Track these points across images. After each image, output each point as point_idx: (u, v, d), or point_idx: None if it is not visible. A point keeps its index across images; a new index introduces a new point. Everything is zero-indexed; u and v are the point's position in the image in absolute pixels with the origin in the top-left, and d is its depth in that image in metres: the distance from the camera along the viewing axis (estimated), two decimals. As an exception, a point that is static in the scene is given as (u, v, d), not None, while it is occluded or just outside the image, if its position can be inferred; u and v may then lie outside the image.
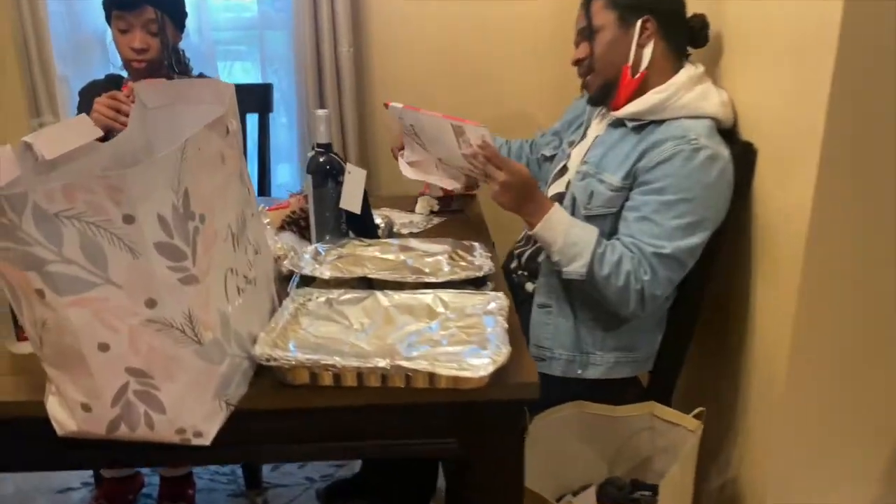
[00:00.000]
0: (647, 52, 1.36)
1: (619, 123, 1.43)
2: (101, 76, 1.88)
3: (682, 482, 1.30)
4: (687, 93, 1.35)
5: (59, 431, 0.91)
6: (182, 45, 1.85)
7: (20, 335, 1.05)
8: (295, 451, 1.04)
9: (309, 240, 1.41)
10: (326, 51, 2.10)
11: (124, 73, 1.85)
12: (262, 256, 1.08)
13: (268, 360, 0.94)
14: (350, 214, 1.38)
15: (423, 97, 2.12)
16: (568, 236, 1.34)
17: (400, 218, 1.64)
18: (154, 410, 0.87)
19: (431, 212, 1.70)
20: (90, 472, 1.95)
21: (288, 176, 2.38)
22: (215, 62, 2.16)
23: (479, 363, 0.93)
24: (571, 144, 1.56)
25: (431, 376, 0.93)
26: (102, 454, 0.96)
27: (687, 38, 1.42)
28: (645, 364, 1.47)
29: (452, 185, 1.66)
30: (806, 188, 1.20)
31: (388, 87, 2.22)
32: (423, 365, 0.92)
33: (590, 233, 1.34)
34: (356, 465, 1.98)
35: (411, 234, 1.56)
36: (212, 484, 1.94)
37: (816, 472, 1.35)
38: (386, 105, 1.60)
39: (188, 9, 1.84)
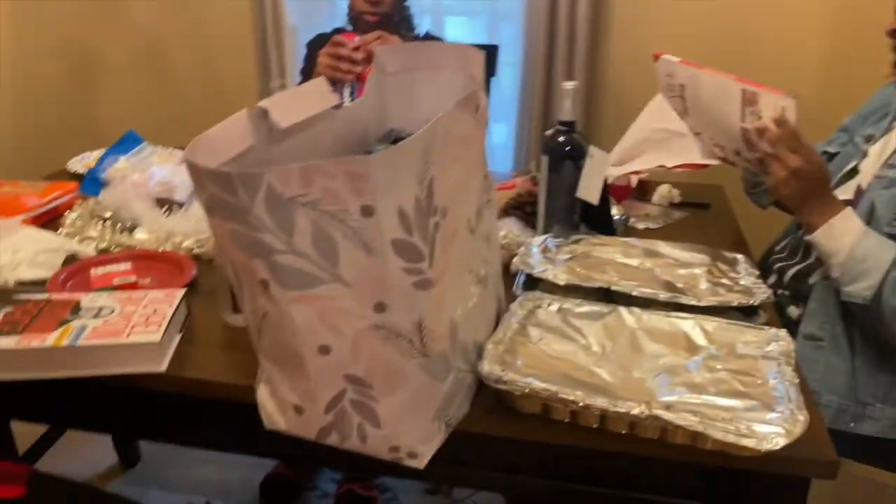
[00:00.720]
0: None
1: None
2: (329, 29, 1.83)
3: None
4: None
5: (268, 425, 0.83)
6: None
7: (236, 306, 1.00)
8: (510, 483, 0.90)
9: (534, 228, 1.25)
10: (562, 13, 1.90)
11: (349, 28, 1.79)
12: (493, 249, 0.93)
13: (497, 381, 0.80)
14: (586, 205, 1.20)
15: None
16: (856, 249, 1.08)
17: (634, 209, 1.43)
18: (369, 423, 0.76)
19: (671, 204, 1.47)
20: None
21: (504, 135, 2.23)
22: (442, 17, 2.05)
23: (768, 432, 0.72)
24: (869, 140, 1.25)
25: (696, 436, 0.74)
26: (308, 452, 0.89)
27: None
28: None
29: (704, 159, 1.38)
30: None
31: (625, 60, 1.99)
32: (690, 421, 0.73)
33: (888, 249, 1.07)
34: None
35: (648, 230, 1.35)
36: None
37: None
38: (656, 57, 1.35)
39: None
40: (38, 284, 1.09)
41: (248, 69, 2.27)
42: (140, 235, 1.23)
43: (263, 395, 0.84)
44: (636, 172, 1.41)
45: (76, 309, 0.95)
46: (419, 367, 0.74)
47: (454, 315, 0.78)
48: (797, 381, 0.80)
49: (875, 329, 1.11)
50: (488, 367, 0.81)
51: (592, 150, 1.18)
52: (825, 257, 1.13)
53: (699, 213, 1.46)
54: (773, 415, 0.74)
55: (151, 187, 1.31)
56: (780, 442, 0.71)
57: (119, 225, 1.27)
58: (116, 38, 2.39)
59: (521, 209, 1.28)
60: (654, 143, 1.38)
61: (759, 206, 1.45)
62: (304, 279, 0.68)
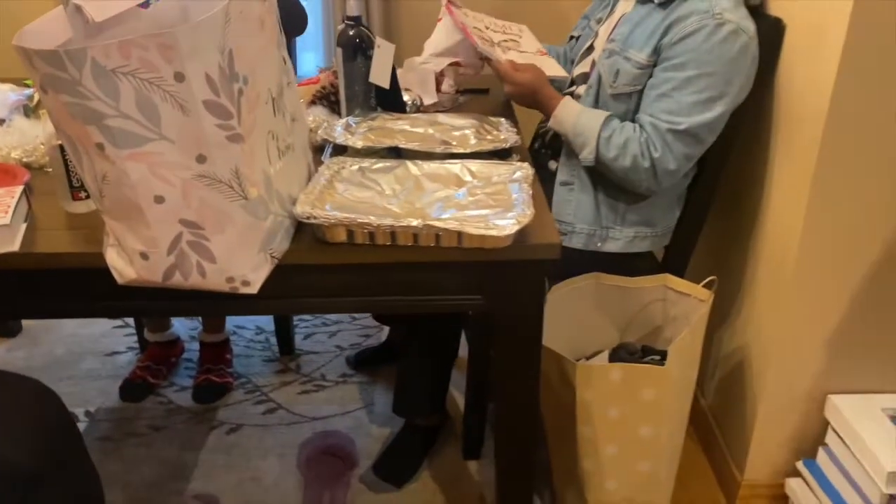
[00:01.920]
0: None
1: (645, 0, 1.42)
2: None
3: (691, 347, 1.38)
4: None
5: (119, 280, 0.99)
6: None
7: (75, 195, 1.13)
8: (331, 305, 1.13)
9: (339, 114, 1.45)
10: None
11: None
12: (299, 124, 1.13)
13: (308, 217, 1.01)
14: (379, 89, 1.42)
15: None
16: (576, 127, 1.41)
17: (427, 98, 1.66)
18: (205, 260, 0.95)
19: (457, 91, 1.72)
20: (135, 338, 2.09)
21: (312, 64, 2.38)
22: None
23: (505, 223, 0.99)
24: (599, 22, 1.56)
25: (460, 235, 1.00)
26: (156, 304, 1.06)
27: None
28: (662, 239, 1.53)
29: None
30: (831, 64, 1.22)
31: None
32: (452, 224, 0.99)
33: (595, 119, 1.39)
34: (383, 335, 2.10)
35: (437, 112, 1.59)
36: (248, 350, 2.08)
37: (821, 349, 1.43)
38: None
39: None
40: None
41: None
42: (-35, 151, 1.30)
43: (112, 256, 1.00)
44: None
45: (-81, 209, 1.04)
46: (241, 208, 0.93)
47: (266, 168, 0.97)
48: (531, 192, 1.07)
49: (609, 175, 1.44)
50: (300, 208, 1.02)
51: (379, 41, 1.39)
52: (562, 136, 1.45)
53: (481, 97, 1.73)
54: (511, 213, 1.02)
55: (-30, 107, 1.36)
56: (514, 228, 0.98)
57: (-61, 145, 1.33)
58: None
59: (327, 98, 1.47)
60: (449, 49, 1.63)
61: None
62: (134, 139, 0.85)
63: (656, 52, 1.34)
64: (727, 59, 1.29)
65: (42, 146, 1.32)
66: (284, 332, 2.05)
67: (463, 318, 1.61)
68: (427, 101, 1.56)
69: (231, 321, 2.10)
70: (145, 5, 1.04)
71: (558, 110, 1.42)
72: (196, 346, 2.01)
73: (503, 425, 1.25)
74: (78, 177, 1.12)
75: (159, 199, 0.89)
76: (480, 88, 1.76)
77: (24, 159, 1.30)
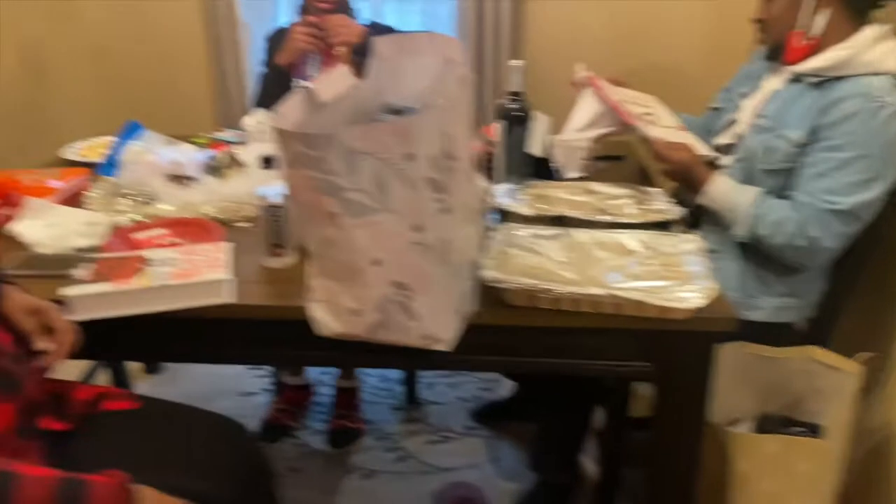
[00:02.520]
0: (822, 19, 1.39)
1: (797, 79, 1.47)
2: (284, 23, 2.04)
3: (845, 421, 1.38)
4: (870, 50, 1.37)
5: (323, 332, 1.09)
6: None
7: (273, 252, 1.24)
8: (511, 364, 1.20)
9: (491, 179, 1.54)
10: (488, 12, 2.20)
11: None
12: (478, 191, 1.22)
13: (496, 282, 1.09)
14: (533, 158, 1.50)
15: (579, 53, 2.20)
16: (728, 204, 1.46)
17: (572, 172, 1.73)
18: (408, 318, 1.03)
19: (595, 158, 1.79)
20: (265, 380, 2.20)
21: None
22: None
23: (690, 296, 1.04)
24: (742, 96, 1.61)
25: (641, 305, 1.05)
26: (348, 355, 1.15)
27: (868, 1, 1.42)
28: (807, 310, 1.54)
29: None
30: None
31: (545, 37, 2.30)
32: (636, 295, 1.04)
33: (748, 196, 1.44)
34: (501, 389, 2.15)
35: (580, 179, 1.67)
36: (374, 397, 2.16)
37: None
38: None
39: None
40: (91, 250, 1.29)
41: (199, 64, 2.44)
42: (164, 206, 1.44)
43: (316, 309, 1.09)
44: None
45: (146, 262, 1.17)
46: (444, 271, 1.02)
47: (463, 235, 1.06)
48: (709, 265, 1.12)
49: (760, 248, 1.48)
50: (488, 273, 1.10)
51: (536, 115, 1.48)
52: (712, 210, 1.50)
53: (616, 164, 1.79)
54: (693, 286, 1.07)
55: (164, 166, 1.51)
56: (700, 302, 1.03)
57: (140, 199, 1.48)
58: (67, 36, 2.50)
59: (479, 167, 1.56)
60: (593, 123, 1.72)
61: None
62: (364, 209, 0.95)
63: (812, 132, 1.38)
64: (886, 140, 1.32)
65: (231, 204, 1.45)
66: (410, 382, 2.13)
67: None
68: (570, 175, 1.63)
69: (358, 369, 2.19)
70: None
71: (710, 187, 1.47)
72: (323, 389, 2.11)
73: (655, 492, 1.27)
74: (279, 235, 1.23)
75: (377, 262, 0.99)
76: (616, 156, 1.82)
77: (216, 214, 1.43)
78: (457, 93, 1.03)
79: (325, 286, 1.06)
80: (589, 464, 1.82)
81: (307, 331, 1.09)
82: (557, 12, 2.31)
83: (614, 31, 2.31)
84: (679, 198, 1.57)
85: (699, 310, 1.06)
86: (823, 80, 1.40)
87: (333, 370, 2.16)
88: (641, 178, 1.67)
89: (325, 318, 1.08)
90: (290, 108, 1.01)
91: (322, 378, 2.21)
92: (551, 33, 2.31)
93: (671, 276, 1.12)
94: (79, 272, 1.14)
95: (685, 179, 1.51)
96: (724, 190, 1.46)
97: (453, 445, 1.96)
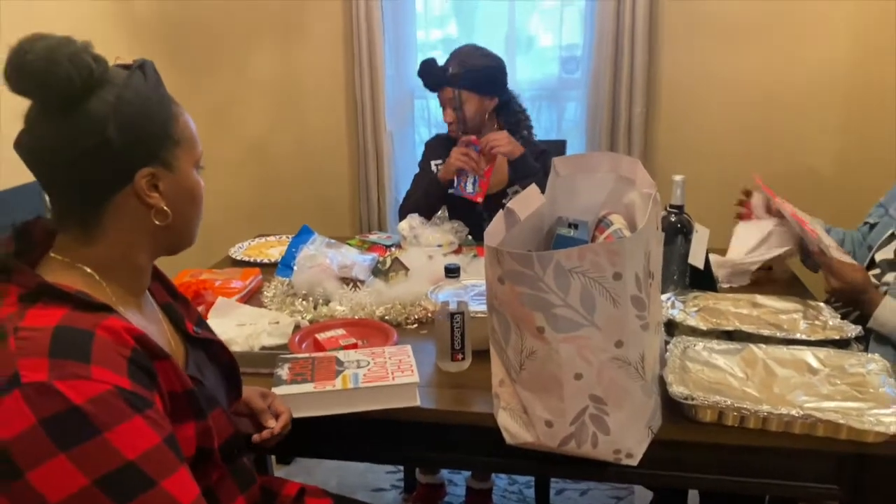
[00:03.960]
0: None
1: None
2: (423, 132, 2.19)
3: None
4: None
5: (510, 441, 1.12)
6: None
7: (454, 356, 1.29)
8: (693, 481, 1.19)
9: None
10: (622, 112, 2.29)
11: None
12: (662, 305, 1.25)
13: (686, 398, 1.10)
14: (693, 269, 1.53)
15: (711, 155, 2.25)
16: None
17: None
18: (601, 432, 1.06)
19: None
20: (395, 477, 2.22)
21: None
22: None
23: (890, 420, 1.02)
24: (902, 212, 1.61)
25: (837, 427, 1.04)
26: (526, 464, 1.17)
27: None
28: None
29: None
30: None
31: (673, 152, 2.37)
32: (833, 416, 1.04)
33: None
34: (634, 499, 2.10)
35: (732, 288, 1.67)
36: (504, 500, 2.15)
37: None
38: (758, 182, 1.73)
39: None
40: (278, 348, 1.38)
41: (343, 170, 2.62)
42: (338, 307, 1.53)
43: (504, 418, 1.13)
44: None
45: (339, 363, 1.24)
46: (640, 388, 1.04)
47: (655, 350, 1.09)
48: (901, 387, 1.11)
49: None
50: (677, 388, 1.11)
51: (697, 227, 1.52)
52: (885, 334, 1.48)
53: (766, 273, 1.79)
54: (891, 409, 1.05)
55: (336, 269, 1.62)
56: (899, 427, 1.01)
57: (312, 300, 1.57)
58: (229, 143, 2.73)
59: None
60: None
61: (812, 271, 1.79)
62: (571, 325, 0.99)
63: None
64: None
65: (399, 306, 1.53)
66: (542, 487, 2.10)
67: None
68: (732, 284, 1.64)
69: (487, 469, 2.19)
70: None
71: (880, 311, 1.45)
72: (456, 490, 2.11)
73: None
74: (459, 341, 1.29)
75: (578, 377, 1.02)
76: (765, 266, 1.82)
77: (387, 317, 1.51)
78: (651, 210, 1.08)
79: (518, 396, 1.09)
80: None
81: (488, 436, 1.13)
82: (691, 121, 2.38)
83: (748, 136, 2.35)
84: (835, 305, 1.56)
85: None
86: None
87: (465, 473, 2.17)
88: (792, 285, 1.67)
89: (515, 428, 1.11)
90: (496, 227, 1.08)
91: (453, 478, 2.22)
92: (682, 136, 2.38)
93: (864, 397, 1.11)
94: (280, 372, 1.22)
95: (854, 301, 1.51)
96: (894, 313, 1.44)
97: (589, 557, 1.91)
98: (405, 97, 2.57)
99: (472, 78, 1.97)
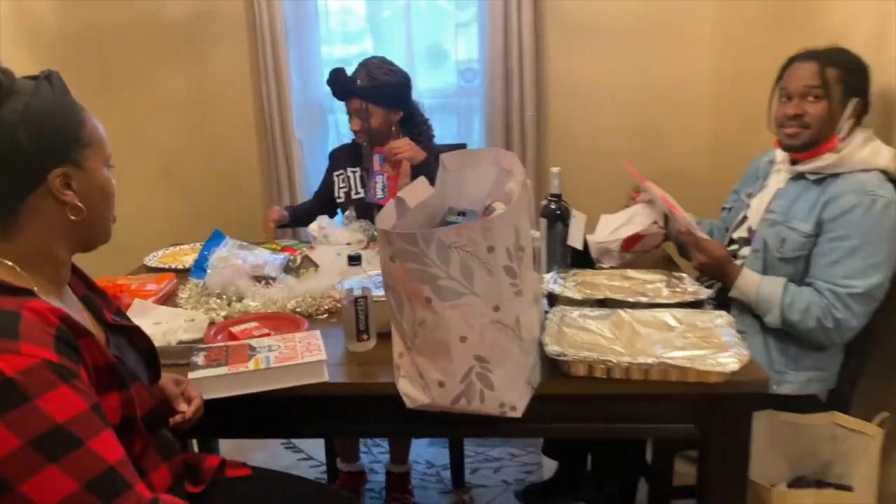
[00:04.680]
0: (847, 125, 1.63)
1: (799, 177, 1.69)
2: (328, 140, 2.32)
3: (871, 479, 1.52)
4: (861, 150, 1.61)
5: (410, 404, 1.25)
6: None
7: (359, 337, 1.42)
8: (575, 430, 1.35)
9: (538, 270, 1.73)
10: (515, 116, 2.48)
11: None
12: (539, 278, 1.41)
13: (559, 355, 1.26)
14: (574, 250, 1.71)
15: (596, 152, 2.47)
16: (758, 296, 1.64)
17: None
18: (487, 388, 1.20)
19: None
20: (323, 469, 2.32)
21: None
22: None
23: (727, 361, 1.21)
24: (749, 196, 1.84)
25: (685, 370, 1.22)
26: (428, 427, 1.31)
27: (866, 111, 1.67)
28: (831, 382, 1.70)
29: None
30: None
31: (563, 150, 2.58)
32: (682, 362, 1.22)
33: (775, 287, 1.62)
34: (543, 472, 2.27)
35: (612, 267, 1.86)
36: (423, 482, 2.28)
37: None
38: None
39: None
40: (194, 342, 1.47)
41: (254, 179, 2.71)
42: (251, 303, 1.64)
43: (405, 384, 1.26)
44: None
45: (252, 348, 1.35)
46: (518, 347, 1.20)
47: (531, 315, 1.25)
48: (739, 336, 1.30)
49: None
50: (552, 347, 1.28)
51: (574, 213, 1.70)
52: (744, 301, 1.69)
53: (642, 255, 1.99)
54: (729, 352, 1.24)
55: (248, 268, 1.72)
56: (735, 365, 1.20)
57: (225, 298, 1.67)
58: (141, 157, 2.77)
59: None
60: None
61: (686, 259, 2.01)
62: (454, 294, 1.14)
63: (818, 224, 1.59)
64: (886, 227, 1.53)
65: (310, 299, 1.64)
66: (457, 467, 2.25)
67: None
68: (607, 265, 1.83)
69: (406, 455, 2.32)
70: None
71: (740, 281, 1.65)
72: (376, 477, 2.23)
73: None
74: (364, 322, 1.41)
75: (463, 339, 1.17)
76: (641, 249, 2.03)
77: (298, 309, 1.62)
78: (522, 195, 1.24)
79: (414, 362, 1.23)
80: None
81: (392, 404, 1.26)
82: (577, 122, 2.59)
83: (630, 134, 2.58)
84: (704, 281, 1.77)
85: (734, 374, 1.23)
86: (822, 177, 1.63)
87: (383, 455, 2.29)
88: (667, 267, 1.87)
89: (413, 392, 1.25)
90: (387, 214, 1.22)
91: (374, 466, 2.34)
92: (570, 136, 2.60)
93: (709, 346, 1.30)
94: (196, 359, 1.32)
95: (718, 274, 1.69)
96: (754, 283, 1.65)
97: (503, 525, 2.06)
98: (314, 107, 2.69)
99: (379, 94, 2.12)
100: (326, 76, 2.13)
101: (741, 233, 1.82)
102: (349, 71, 2.14)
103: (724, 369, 1.20)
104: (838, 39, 1.77)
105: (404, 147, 2.08)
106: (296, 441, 2.53)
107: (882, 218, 1.53)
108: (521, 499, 2.16)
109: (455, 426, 1.29)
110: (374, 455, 2.42)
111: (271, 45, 2.53)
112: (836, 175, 1.61)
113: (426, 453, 2.43)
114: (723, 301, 1.78)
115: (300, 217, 2.31)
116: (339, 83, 2.11)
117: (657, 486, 1.76)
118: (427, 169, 2.10)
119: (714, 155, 2.56)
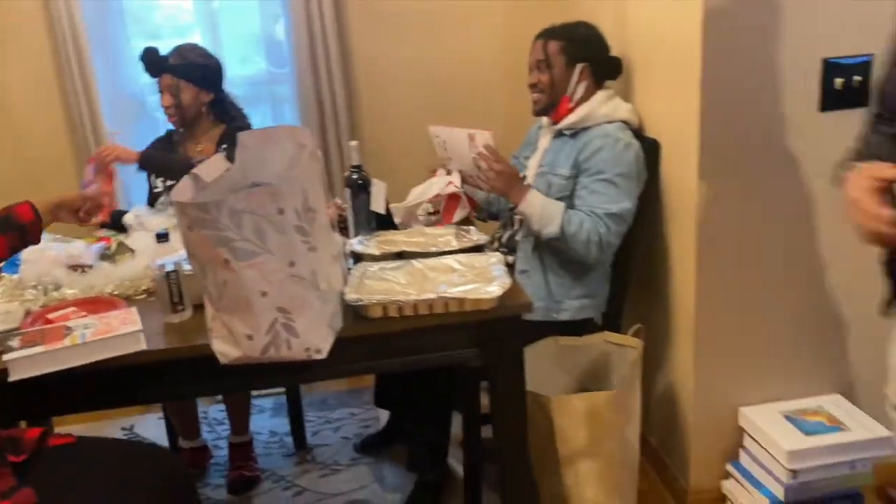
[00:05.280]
0: (581, 87, 1.95)
1: (559, 134, 1.99)
2: (141, 130, 2.37)
3: (633, 375, 1.83)
4: (604, 106, 1.94)
5: (224, 360, 1.39)
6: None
7: (174, 309, 1.53)
8: (376, 367, 1.54)
9: (348, 235, 1.91)
10: (327, 99, 2.64)
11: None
12: (337, 241, 1.59)
13: (356, 301, 1.45)
14: (377, 214, 1.90)
15: (405, 128, 2.67)
16: (544, 208, 1.90)
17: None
18: (292, 336, 1.36)
19: (429, 213, 2.21)
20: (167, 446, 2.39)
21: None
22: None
23: (493, 289, 1.45)
24: (527, 159, 2.13)
25: (462, 301, 1.45)
26: (245, 380, 1.45)
27: (608, 74, 2.00)
28: (602, 307, 2.02)
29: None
30: (692, 169, 1.78)
31: (377, 129, 2.76)
32: (457, 293, 1.44)
33: (557, 205, 1.90)
34: (381, 423, 2.47)
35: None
36: (267, 450, 2.40)
37: (728, 375, 1.91)
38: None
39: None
40: (13, 331, 1.51)
41: (68, 175, 2.68)
42: (69, 290, 1.69)
43: (217, 343, 1.40)
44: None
45: (68, 329, 1.42)
46: (316, 297, 1.36)
47: (328, 269, 1.42)
48: (506, 269, 1.55)
49: (562, 255, 1.93)
50: (350, 295, 1.46)
51: (375, 181, 1.89)
52: (527, 219, 1.93)
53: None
54: (495, 283, 1.48)
55: (64, 258, 1.76)
56: (500, 291, 1.44)
57: (41, 288, 1.71)
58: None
59: (338, 224, 1.94)
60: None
61: (482, 221, 2.26)
62: (250, 254, 1.28)
63: (575, 166, 1.90)
64: (627, 162, 1.85)
65: (128, 282, 1.72)
66: (298, 430, 2.39)
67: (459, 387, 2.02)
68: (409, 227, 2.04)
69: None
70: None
71: (530, 195, 1.89)
72: (222, 452, 2.33)
73: (504, 456, 1.64)
74: (178, 295, 1.52)
75: (264, 294, 1.32)
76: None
77: (116, 292, 1.70)
78: (310, 163, 1.40)
79: (223, 321, 1.37)
80: (456, 464, 2.17)
81: (209, 365, 1.39)
82: (385, 100, 2.78)
83: (433, 112, 2.80)
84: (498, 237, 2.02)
85: (506, 302, 1.47)
86: (576, 132, 1.93)
87: (226, 432, 2.39)
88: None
89: (226, 349, 1.39)
90: (183, 188, 1.34)
91: (218, 443, 2.43)
92: (380, 113, 2.79)
93: (482, 280, 1.53)
94: (11, 343, 1.38)
95: (510, 185, 1.90)
96: (540, 198, 1.90)
97: (342, 475, 2.24)
98: (127, 100, 2.70)
99: (191, 70, 2.20)
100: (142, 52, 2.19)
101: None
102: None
103: (491, 296, 1.44)
104: (589, 17, 2.08)
105: (111, 150, 2.17)
106: (136, 427, 2.57)
107: (624, 156, 1.85)
108: (359, 450, 2.35)
109: (272, 376, 1.44)
110: (217, 432, 2.51)
111: (72, 41, 2.51)
112: (586, 128, 1.92)
113: (269, 424, 2.55)
114: (513, 248, 2.05)
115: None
116: (151, 60, 2.18)
117: (468, 414, 2.01)
118: (153, 165, 2.26)
119: (510, 129, 2.84)
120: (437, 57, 2.77)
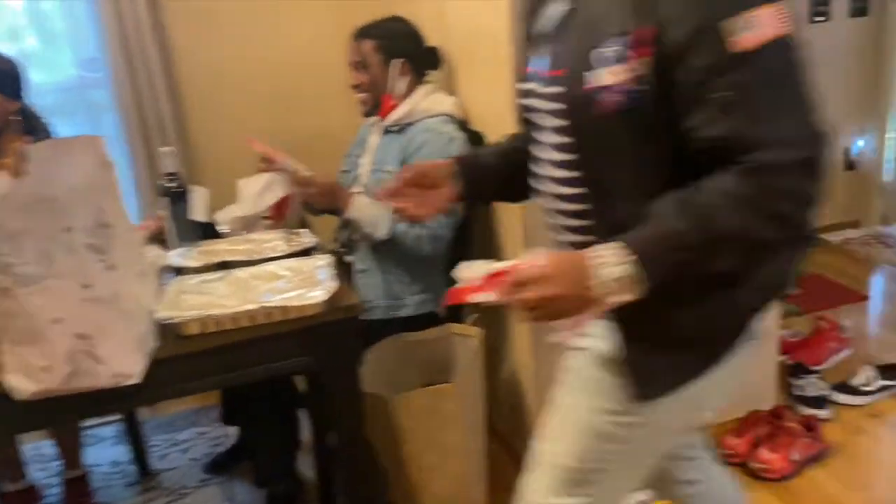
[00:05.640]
0: (402, 83, 1.95)
1: (386, 131, 1.98)
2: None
3: (473, 365, 1.85)
4: (426, 101, 1.95)
5: (21, 396, 1.26)
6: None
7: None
8: (199, 386, 1.45)
9: (169, 248, 1.80)
10: (147, 104, 2.48)
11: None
12: (145, 255, 1.49)
13: (168, 319, 1.36)
14: (198, 223, 1.80)
15: (237, 130, 2.57)
16: (371, 211, 1.88)
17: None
18: (97, 362, 1.26)
19: (264, 217, 2.13)
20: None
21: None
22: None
23: (317, 294, 1.41)
24: (359, 157, 2.10)
25: (285, 309, 1.39)
26: (48, 415, 1.33)
27: (427, 65, 2.00)
28: (441, 301, 2.02)
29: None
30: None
31: (206, 122, 2.63)
32: (278, 302, 1.39)
33: (384, 207, 1.87)
34: (230, 441, 2.37)
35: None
36: (107, 481, 2.24)
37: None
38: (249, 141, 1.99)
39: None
40: None
41: None
42: None
43: (9, 378, 1.27)
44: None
45: None
46: (120, 318, 1.27)
47: (133, 288, 1.32)
48: (333, 272, 1.51)
49: (397, 253, 1.92)
50: (161, 313, 1.37)
51: (195, 188, 1.79)
52: (357, 223, 1.91)
53: (277, 222, 2.15)
54: (320, 288, 1.44)
55: None
56: (324, 295, 1.40)
57: None
58: None
59: (157, 238, 1.82)
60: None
61: (314, 215, 2.20)
62: (34, 279, 1.17)
63: (402, 162, 1.89)
64: (452, 154, 1.85)
65: None
66: (140, 456, 2.25)
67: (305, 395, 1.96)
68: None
69: (86, 459, 2.25)
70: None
71: (357, 201, 1.88)
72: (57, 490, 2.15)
73: (346, 460, 1.60)
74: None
75: (57, 321, 1.21)
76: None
77: None
78: (104, 175, 1.30)
79: (15, 354, 1.24)
80: (307, 471, 2.11)
81: (5, 401, 1.26)
82: (214, 103, 2.66)
83: (267, 104, 2.71)
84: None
85: (331, 304, 1.43)
86: (402, 127, 1.92)
87: (56, 468, 2.20)
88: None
89: (21, 383, 1.26)
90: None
91: (52, 481, 2.24)
92: (210, 116, 2.66)
93: (307, 285, 1.48)
94: None
95: (333, 200, 1.88)
96: (366, 201, 1.89)
97: (190, 499, 2.13)
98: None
99: None
100: None
101: (357, 189, 2.05)
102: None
103: (315, 301, 1.40)
104: (408, 12, 2.07)
105: None
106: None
107: (449, 148, 1.86)
108: (208, 471, 2.24)
109: (81, 406, 1.33)
110: (52, 469, 2.32)
111: None
112: (411, 123, 1.92)
113: (110, 453, 2.39)
114: (352, 247, 2.01)
115: None
116: None
117: (315, 419, 1.96)
118: None
119: (346, 129, 2.79)
120: (265, 46, 2.68)
